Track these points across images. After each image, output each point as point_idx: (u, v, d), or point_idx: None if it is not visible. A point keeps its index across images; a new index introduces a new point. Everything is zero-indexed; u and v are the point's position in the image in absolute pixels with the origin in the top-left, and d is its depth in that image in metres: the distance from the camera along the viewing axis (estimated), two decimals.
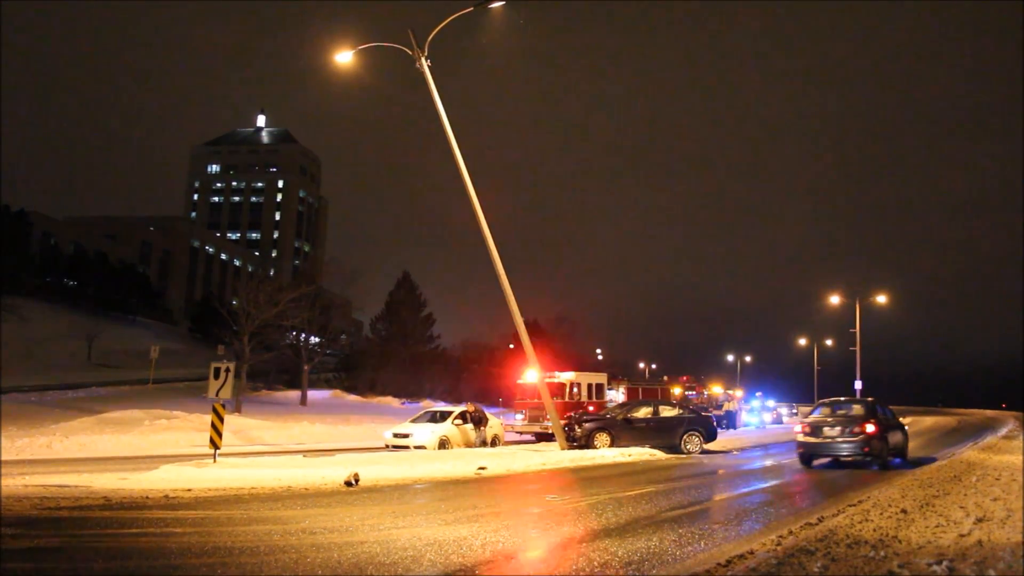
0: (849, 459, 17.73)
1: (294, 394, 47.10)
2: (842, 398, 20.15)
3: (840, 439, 17.36)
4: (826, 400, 20.02)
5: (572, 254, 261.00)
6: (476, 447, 22.41)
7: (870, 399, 19.12)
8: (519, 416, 29.91)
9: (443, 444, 21.89)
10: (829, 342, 79.47)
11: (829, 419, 18.08)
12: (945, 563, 6.12)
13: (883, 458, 17.41)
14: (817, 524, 8.38)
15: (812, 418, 18.61)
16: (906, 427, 20.47)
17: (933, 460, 19.45)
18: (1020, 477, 12.66)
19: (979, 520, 8.26)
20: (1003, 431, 33.76)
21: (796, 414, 58.02)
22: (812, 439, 17.72)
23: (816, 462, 18.08)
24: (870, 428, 17.24)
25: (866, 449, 17.09)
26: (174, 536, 7.87)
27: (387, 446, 22.01)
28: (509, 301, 21.96)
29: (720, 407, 37.52)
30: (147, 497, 10.74)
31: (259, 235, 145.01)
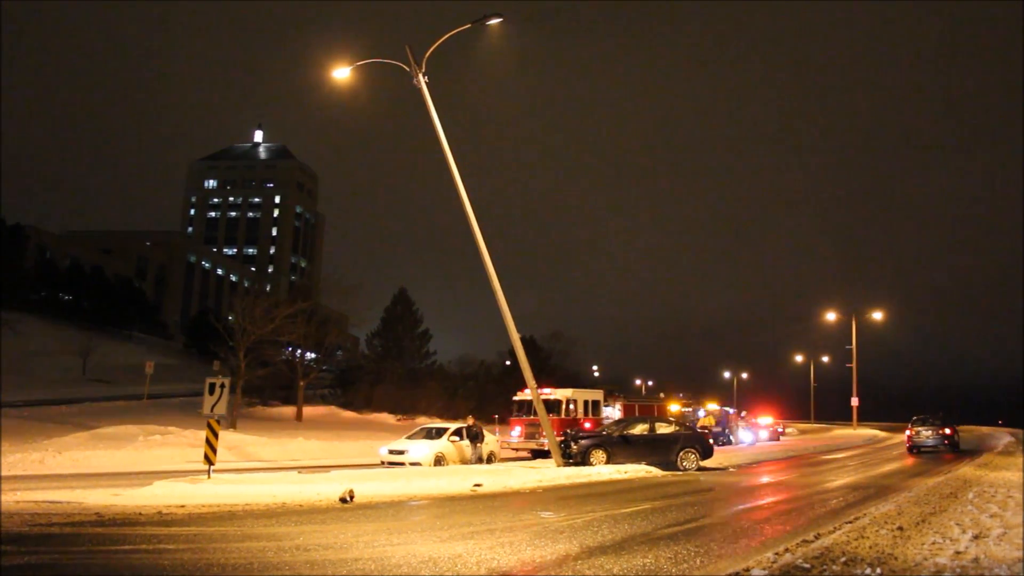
0: (933, 449, 31.00)
1: (289, 410, 46.88)
2: (928, 416, 33.06)
3: (931, 438, 31.28)
4: (919, 417, 32.99)
5: (569, 271, 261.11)
6: (472, 464, 22.33)
7: (941, 414, 33.57)
8: (515, 433, 29.81)
9: (439, 461, 21.80)
10: (825, 359, 79.64)
11: (923, 427, 31.76)
12: None
13: (953, 448, 30.99)
14: (814, 541, 8.34)
15: (914, 428, 31.93)
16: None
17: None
18: (1017, 494, 12.63)
19: (976, 537, 8.24)
20: (999, 447, 33.76)
21: (783, 432, 58.05)
22: (916, 439, 31.59)
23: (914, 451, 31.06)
24: (948, 431, 31.41)
25: (946, 442, 31.05)
26: (167, 553, 7.82)
27: (383, 463, 21.92)
28: (505, 318, 21.95)
29: (693, 424, 37.32)
30: (140, 513, 10.68)
31: (256, 250, 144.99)
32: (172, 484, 13.69)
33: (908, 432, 32.42)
